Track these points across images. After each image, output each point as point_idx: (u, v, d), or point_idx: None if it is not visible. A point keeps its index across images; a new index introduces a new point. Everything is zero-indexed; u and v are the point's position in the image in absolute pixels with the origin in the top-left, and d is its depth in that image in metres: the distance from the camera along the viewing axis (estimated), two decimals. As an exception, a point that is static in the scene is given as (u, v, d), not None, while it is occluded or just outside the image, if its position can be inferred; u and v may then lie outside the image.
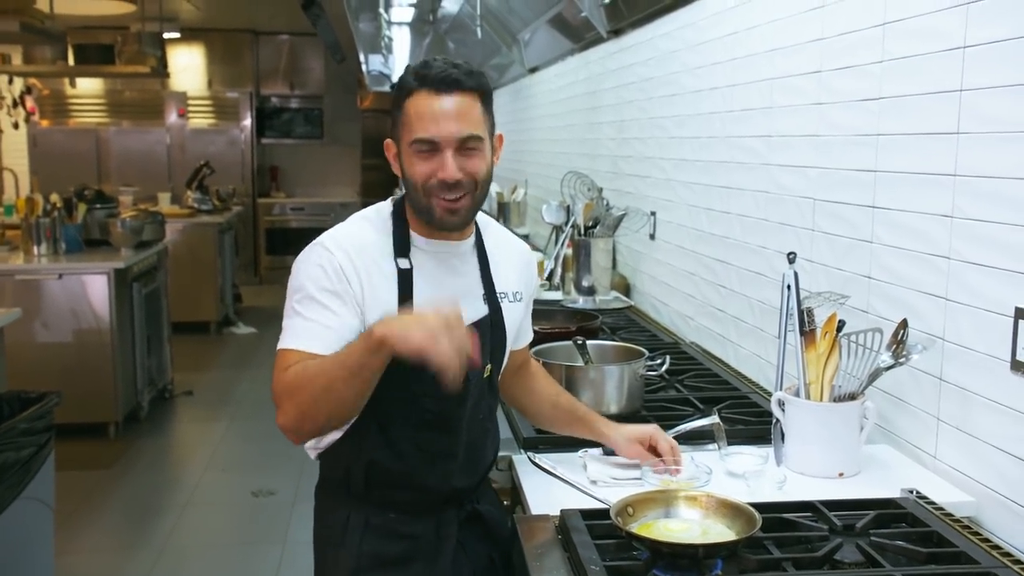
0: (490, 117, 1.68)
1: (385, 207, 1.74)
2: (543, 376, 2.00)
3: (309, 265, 1.63)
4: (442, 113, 1.60)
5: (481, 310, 1.74)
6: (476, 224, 1.78)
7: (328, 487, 1.80)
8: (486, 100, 1.67)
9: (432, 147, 1.61)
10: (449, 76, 1.61)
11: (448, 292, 1.67)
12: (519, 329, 1.86)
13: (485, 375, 1.74)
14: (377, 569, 1.71)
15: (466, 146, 1.62)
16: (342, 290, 1.60)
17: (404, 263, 1.67)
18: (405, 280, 1.66)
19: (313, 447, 1.76)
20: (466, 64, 1.66)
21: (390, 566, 1.72)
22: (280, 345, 1.61)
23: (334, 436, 1.71)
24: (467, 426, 1.72)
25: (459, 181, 1.61)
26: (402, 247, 1.68)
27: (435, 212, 1.64)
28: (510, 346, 1.82)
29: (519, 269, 1.85)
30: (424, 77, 1.62)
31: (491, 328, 1.74)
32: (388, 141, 1.73)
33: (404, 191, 1.70)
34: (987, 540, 1.49)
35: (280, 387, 1.56)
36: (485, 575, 1.80)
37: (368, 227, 1.71)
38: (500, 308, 1.77)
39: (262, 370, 6.90)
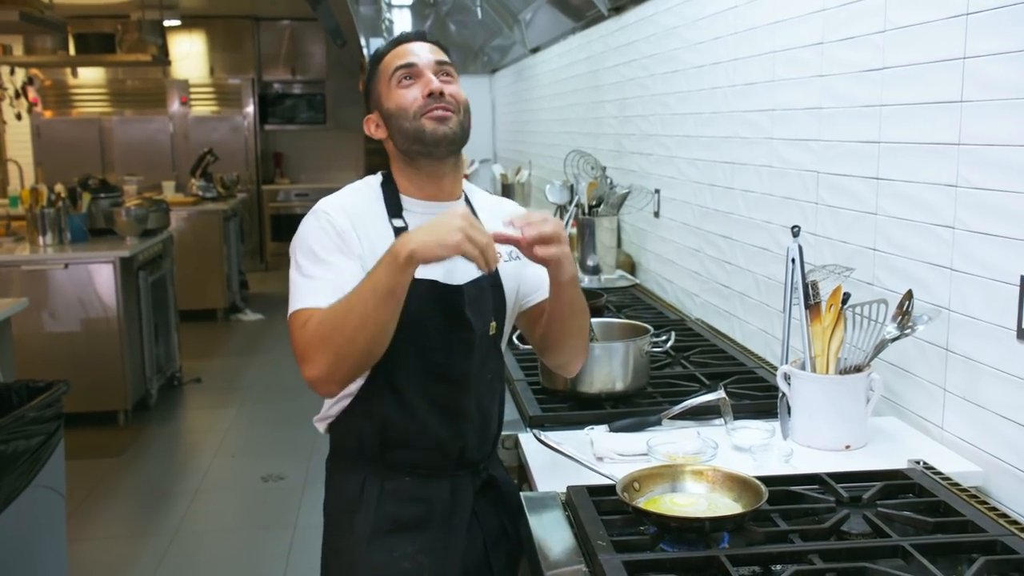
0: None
1: (374, 178, 1.80)
2: None
3: (312, 229, 1.68)
4: (417, 47, 1.75)
5: (478, 270, 1.74)
6: (464, 190, 1.83)
7: (341, 456, 1.81)
8: (452, 59, 1.79)
9: (412, 71, 1.71)
10: (415, 32, 1.79)
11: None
12: (534, 282, 1.83)
13: (491, 333, 1.76)
14: (394, 532, 1.73)
15: (444, 70, 1.73)
16: (346, 249, 1.65)
17: (399, 222, 1.71)
18: None
19: (323, 419, 1.79)
20: None
21: (406, 529, 1.74)
22: (293, 307, 1.63)
23: (343, 404, 1.74)
24: (476, 384, 1.75)
25: (443, 93, 1.70)
26: (395, 209, 1.73)
27: (426, 128, 1.69)
28: (520, 301, 1.83)
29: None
30: (394, 40, 1.78)
31: (491, 289, 1.75)
32: (368, 117, 1.80)
33: (393, 146, 1.75)
34: (994, 509, 1.49)
35: (304, 341, 1.57)
36: (497, 544, 1.82)
37: (360, 195, 1.76)
38: (498, 269, 1.76)
39: (270, 356, 6.93)
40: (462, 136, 1.73)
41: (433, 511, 1.75)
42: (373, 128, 1.78)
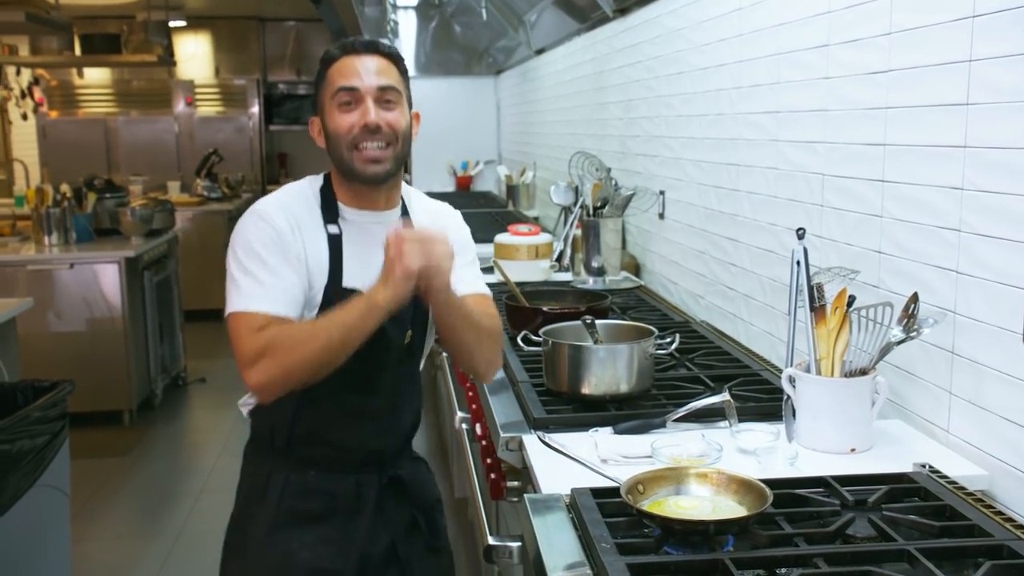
0: (407, 86, 1.80)
1: (316, 179, 1.84)
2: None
3: (253, 229, 1.72)
4: (362, 66, 1.74)
5: None
6: (402, 197, 1.86)
7: (255, 445, 1.89)
8: (403, 69, 1.80)
9: (353, 96, 1.72)
10: (368, 41, 1.77)
11: (374, 263, 1.72)
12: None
13: (406, 342, 1.81)
14: (294, 525, 1.79)
15: (385, 97, 1.74)
16: (288, 251, 1.70)
17: (333, 228, 1.76)
18: (335, 245, 1.75)
19: (244, 404, 1.86)
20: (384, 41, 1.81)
21: (308, 522, 1.80)
22: (238, 307, 1.67)
23: None
24: (390, 389, 1.81)
25: (379, 127, 1.71)
26: (330, 214, 1.77)
27: (356, 165, 1.72)
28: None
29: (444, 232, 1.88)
30: (345, 45, 1.78)
31: (412, 298, 1.75)
32: (313, 118, 1.82)
33: (331, 158, 1.79)
34: (1000, 513, 1.49)
35: (256, 348, 1.62)
36: (407, 534, 1.87)
37: (299, 196, 1.80)
38: None
39: (274, 356, 6.92)
40: (394, 171, 1.77)
41: (336, 505, 1.80)
42: (316, 133, 1.82)
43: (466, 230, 1.98)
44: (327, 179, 1.83)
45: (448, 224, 1.92)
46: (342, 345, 1.60)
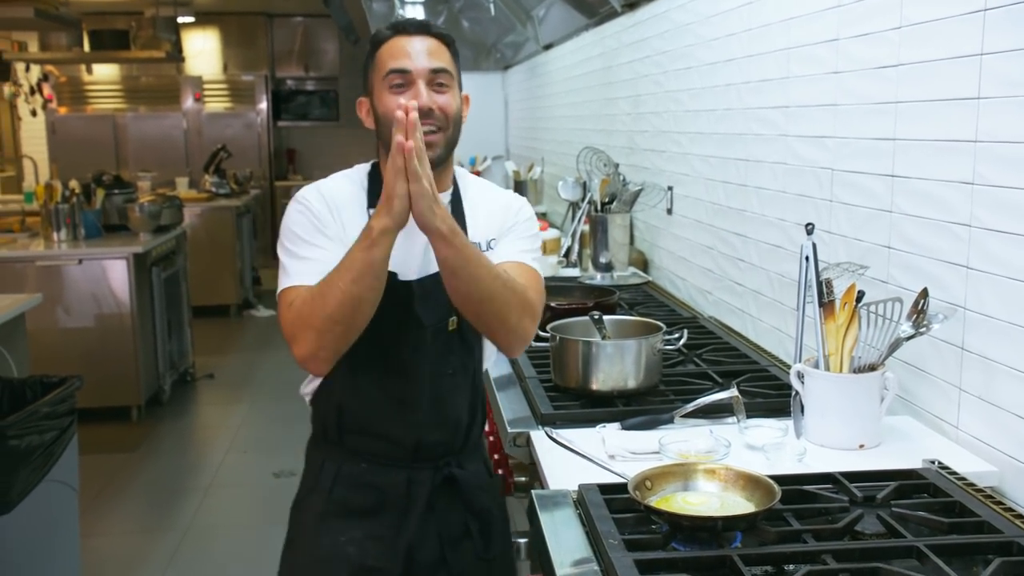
0: (458, 68, 1.77)
1: (364, 166, 1.83)
2: None
3: (292, 214, 1.73)
4: (414, 49, 1.70)
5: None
6: (455, 179, 1.83)
7: (314, 437, 1.87)
8: (454, 52, 1.76)
9: (405, 78, 1.69)
10: (419, 22, 1.74)
11: (419, 247, 1.72)
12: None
13: (451, 328, 1.77)
14: (344, 517, 1.78)
15: (437, 80, 1.70)
16: (326, 229, 1.70)
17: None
18: None
19: (304, 391, 1.84)
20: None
21: (356, 516, 1.78)
22: (281, 287, 1.68)
23: (316, 382, 1.80)
24: (431, 378, 1.76)
25: (431, 110, 1.68)
26: (375, 198, 1.73)
27: None
28: None
29: (497, 215, 1.84)
30: (396, 26, 1.74)
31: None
32: (361, 99, 1.80)
33: (380, 141, 1.76)
34: (1011, 509, 1.48)
35: (290, 321, 1.62)
36: (458, 542, 1.82)
37: (344, 181, 1.80)
38: None
39: (282, 352, 6.89)
40: (445, 155, 1.74)
41: (385, 499, 1.78)
42: (364, 114, 1.80)
43: (529, 211, 1.88)
44: (374, 166, 1.82)
45: (505, 201, 1.86)
46: (356, 282, 1.56)
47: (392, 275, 1.68)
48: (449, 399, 1.80)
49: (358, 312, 1.59)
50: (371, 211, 1.73)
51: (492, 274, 1.66)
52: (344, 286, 1.56)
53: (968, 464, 1.64)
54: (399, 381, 1.76)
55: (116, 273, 5.30)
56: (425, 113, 1.66)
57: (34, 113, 9.76)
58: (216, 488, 4.53)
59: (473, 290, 1.65)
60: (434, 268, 1.70)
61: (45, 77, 9.98)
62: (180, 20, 8.57)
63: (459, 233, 1.61)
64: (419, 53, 1.70)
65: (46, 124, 10.11)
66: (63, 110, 10.27)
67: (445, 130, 1.71)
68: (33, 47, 9.02)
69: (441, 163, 1.73)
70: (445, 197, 1.79)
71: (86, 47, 8.26)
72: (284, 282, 1.69)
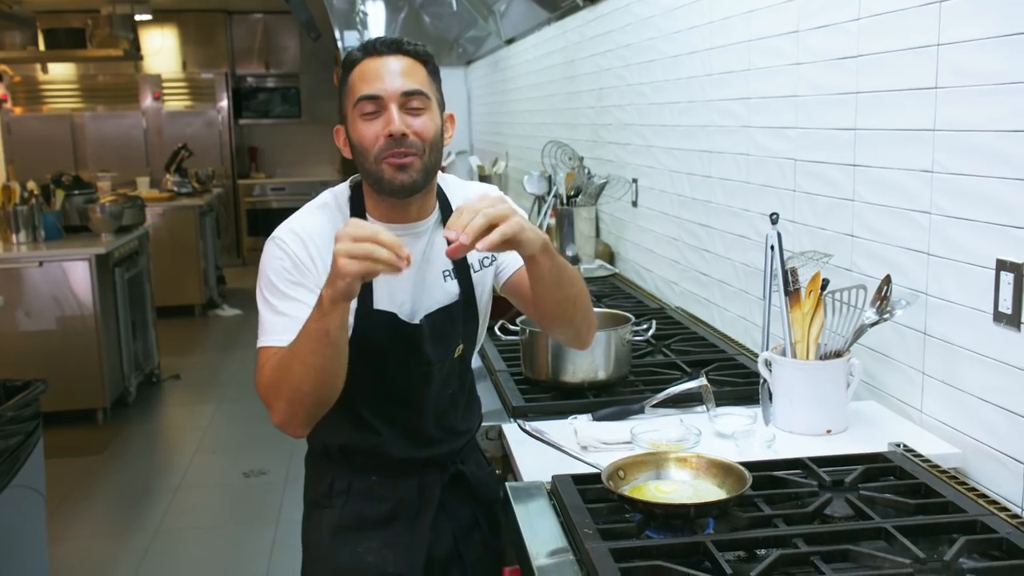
0: (437, 86, 1.66)
1: (342, 191, 1.72)
2: None
3: (270, 259, 1.63)
4: (386, 70, 1.60)
5: (452, 293, 1.73)
6: (439, 194, 1.74)
7: (314, 456, 1.85)
8: (432, 68, 1.66)
9: (376, 105, 1.59)
10: (390, 40, 1.63)
11: (407, 281, 1.67)
12: (502, 256, 1.79)
13: (456, 355, 1.76)
14: (359, 529, 1.76)
15: (411, 104, 1.60)
16: (306, 278, 1.60)
17: None
18: None
19: None
20: (412, 40, 1.66)
21: (372, 526, 1.76)
22: (259, 344, 1.61)
23: None
24: (436, 403, 1.75)
25: (405, 136, 1.57)
26: None
27: (384, 175, 1.59)
28: (495, 283, 1.80)
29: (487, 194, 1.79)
30: (366, 47, 1.64)
31: (463, 308, 1.74)
32: (337, 127, 1.69)
33: (359, 171, 1.67)
34: (974, 489, 1.51)
35: (263, 386, 1.57)
36: (468, 534, 1.83)
37: (323, 215, 1.67)
38: (472, 285, 1.75)
39: (248, 351, 6.86)
40: (424, 180, 1.63)
41: (399, 508, 1.77)
42: (341, 143, 1.69)
43: (496, 193, 1.79)
44: (356, 189, 1.71)
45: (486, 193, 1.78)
46: (315, 353, 1.46)
47: (395, 316, 1.65)
48: (450, 416, 1.80)
49: (324, 383, 1.50)
50: None
51: (574, 269, 1.64)
52: (304, 358, 1.47)
53: (932, 447, 1.68)
54: (405, 411, 1.73)
55: (78, 275, 5.23)
56: (398, 139, 1.57)
57: (-11, 114, 9.61)
58: (185, 489, 4.50)
59: (569, 292, 1.63)
60: (441, 303, 1.70)
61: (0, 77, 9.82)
62: (137, 18, 8.47)
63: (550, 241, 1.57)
64: (391, 74, 1.59)
65: (1, 125, 9.94)
66: (18, 110, 10.10)
67: (422, 155, 1.60)
68: (-13, 47, 8.88)
69: (420, 189, 1.64)
70: (428, 223, 1.71)
71: (41, 46, 8.14)
72: (261, 339, 1.60)
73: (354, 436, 1.74)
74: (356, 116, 1.61)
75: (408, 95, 1.59)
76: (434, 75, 1.66)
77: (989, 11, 1.53)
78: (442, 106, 1.68)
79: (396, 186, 1.60)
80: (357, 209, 1.69)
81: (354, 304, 1.59)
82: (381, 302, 1.66)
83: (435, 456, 1.78)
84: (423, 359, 1.69)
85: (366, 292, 1.64)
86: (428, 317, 1.69)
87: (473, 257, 1.75)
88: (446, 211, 1.72)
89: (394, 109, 1.58)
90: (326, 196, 1.73)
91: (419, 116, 1.60)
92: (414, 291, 1.69)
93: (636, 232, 3.51)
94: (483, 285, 1.78)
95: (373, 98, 1.59)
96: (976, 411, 1.62)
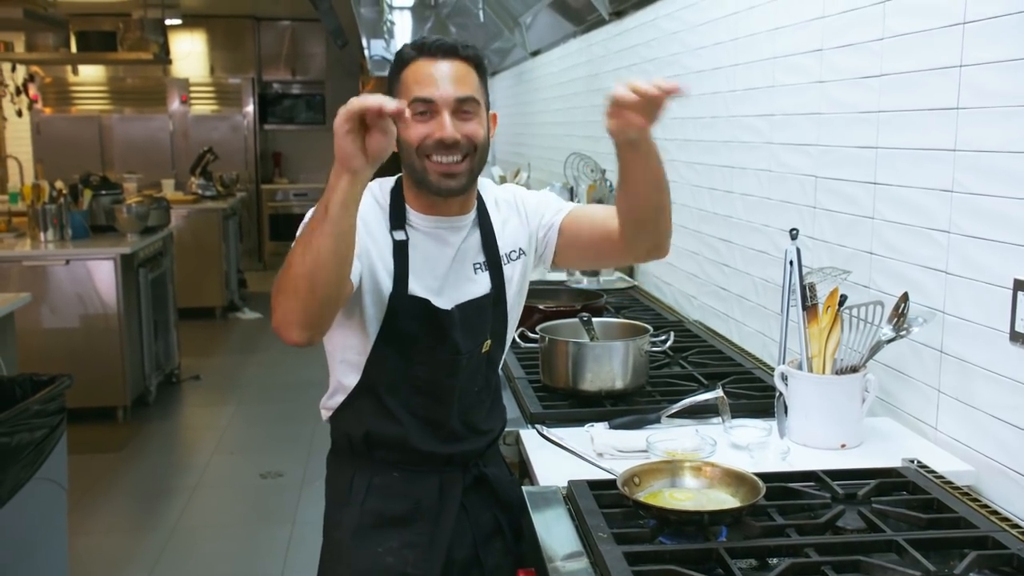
0: (485, 89, 1.71)
1: (387, 181, 1.77)
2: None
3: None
4: (439, 75, 1.63)
5: (483, 286, 1.77)
6: (479, 196, 1.79)
7: (336, 450, 1.86)
8: (481, 72, 1.70)
9: (429, 108, 1.63)
10: (446, 44, 1.66)
11: (442, 270, 1.71)
12: (538, 211, 1.84)
13: (484, 351, 1.78)
14: (379, 527, 1.77)
15: (463, 108, 1.64)
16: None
17: (400, 235, 1.69)
18: (401, 252, 1.69)
19: (325, 407, 1.82)
20: (463, 41, 1.70)
21: (392, 524, 1.77)
22: None
23: (338, 399, 1.77)
24: (461, 398, 1.77)
25: (457, 141, 1.62)
26: (398, 220, 1.71)
27: (430, 176, 1.64)
28: (539, 235, 1.84)
29: (518, 215, 1.84)
30: (421, 47, 1.67)
31: (493, 305, 1.78)
32: None
33: (402, 165, 1.71)
34: (986, 506, 1.52)
35: (272, 292, 1.51)
36: (489, 539, 1.85)
37: (368, 196, 1.70)
38: (503, 281, 1.79)
39: (268, 354, 6.94)
40: (470, 182, 1.69)
41: (420, 507, 1.78)
42: None
43: (519, 191, 1.91)
44: (398, 182, 1.75)
45: (511, 209, 1.85)
46: (315, 233, 1.42)
47: (427, 302, 1.68)
48: (475, 415, 1.81)
49: (319, 265, 1.42)
50: (395, 233, 1.69)
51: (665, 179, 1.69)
52: (305, 240, 1.44)
53: (946, 463, 1.69)
54: (430, 403, 1.75)
55: (103, 274, 5.30)
56: (451, 144, 1.62)
57: (19, 114, 9.72)
58: (202, 488, 4.54)
59: (664, 199, 1.71)
60: (473, 295, 1.73)
61: (31, 77, 9.95)
62: (167, 22, 8.55)
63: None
64: (445, 79, 1.63)
65: (31, 125, 10.07)
66: (48, 111, 10.23)
67: (471, 157, 1.65)
68: (19, 47, 8.97)
69: (465, 191, 1.69)
70: (468, 218, 1.76)
71: (73, 48, 8.24)
72: None
73: (377, 425, 1.75)
74: (408, 113, 1.62)
75: (461, 101, 1.64)
76: (483, 78, 1.71)
77: (1012, 33, 1.55)
78: (488, 106, 1.72)
79: (442, 189, 1.66)
80: (398, 199, 1.73)
81: (390, 287, 1.65)
82: (416, 288, 1.68)
83: (457, 454, 1.79)
84: (451, 346, 1.71)
85: (402, 277, 1.67)
86: (459, 307, 1.73)
87: (508, 247, 1.80)
88: (482, 209, 1.79)
89: (447, 115, 1.62)
90: (372, 184, 1.74)
91: (470, 121, 1.65)
92: (447, 281, 1.72)
93: (656, 245, 3.53)
94: (513, 278, 1.81)
95: (427, 101, 1.63)
96: (991, 429, 1.63)
